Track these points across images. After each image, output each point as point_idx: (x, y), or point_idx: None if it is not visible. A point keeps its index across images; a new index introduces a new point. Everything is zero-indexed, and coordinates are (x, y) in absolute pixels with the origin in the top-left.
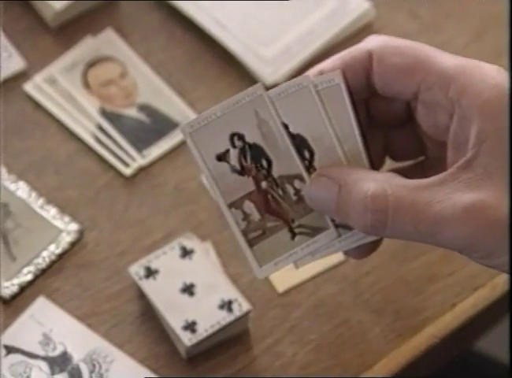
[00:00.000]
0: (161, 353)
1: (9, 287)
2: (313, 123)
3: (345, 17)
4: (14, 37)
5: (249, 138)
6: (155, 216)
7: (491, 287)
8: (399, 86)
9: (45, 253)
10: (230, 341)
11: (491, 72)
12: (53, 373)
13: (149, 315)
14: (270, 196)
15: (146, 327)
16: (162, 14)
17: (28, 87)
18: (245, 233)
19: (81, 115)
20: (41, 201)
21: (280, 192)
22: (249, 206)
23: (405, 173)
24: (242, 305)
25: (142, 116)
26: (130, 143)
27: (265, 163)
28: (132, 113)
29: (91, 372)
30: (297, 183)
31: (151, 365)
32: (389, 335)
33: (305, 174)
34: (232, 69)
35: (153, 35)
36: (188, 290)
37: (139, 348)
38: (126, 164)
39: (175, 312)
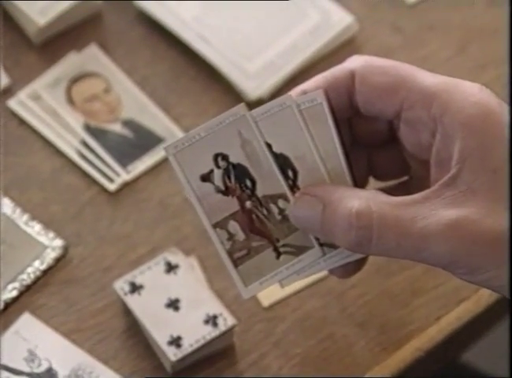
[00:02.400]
0: (147, 368)
1: None
2: (296, 142)
3: (328, 31)
4: (1, 54)
5: (233, 159)
6: (140, 232)
7: (476, 300)
8: (382, 105)
9: (30, 270)
10: (215, 356)
11: (472, 90)
12: None
13: (134, 330)
14: (254, 216)
15: (131, 343)
16: (146, 30)
17: (12, 104)
18: (230, 253)
19: (65, 131)
20: (25, 217)
21: (265, 212)
22: (233, 226)
23: (389, 193)
24: (227, 320)
25: (126, 132)
26: (114, 159)
27: (249, 183)
28: (116, 128)
29: None
30: (281, 203)
31: None
32: (374, 348)
33: (289, 193)
34: (216, 84)
35: (137, 50)
36: (173, 305)
37: (124, 363)
38: (110, 180)
39: (160, 327)
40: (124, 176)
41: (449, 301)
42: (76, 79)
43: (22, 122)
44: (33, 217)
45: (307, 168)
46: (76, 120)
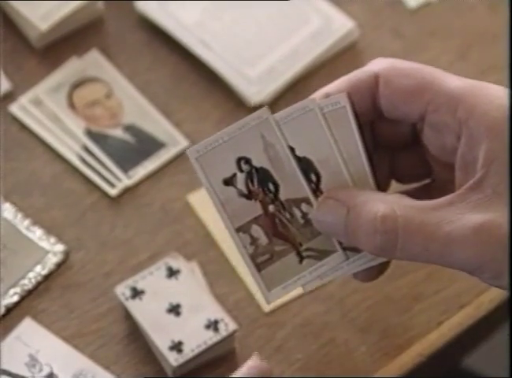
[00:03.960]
0: (148, 373)
1: None
2: (319, 146)
3: (329, 37)
4: (1, 59)
5: (256, 162)
6: (141, 237)
7: (477, 306)
8: (406, 108)
9: (31, 275)
10: (216, 361)
11: (497, 93)
12: None
13: (135, 335)
14: (277, 220)
15: (132, 348)
16: (147, 35)
17: (14, 109)
18: (253, 257)
19: (67, 136)
20: (27, 222)
21: (288, 216)
22: (256, 230)
23: (412, 196)
24: (228, 325)
25: (127, 137)
26: (116, 164)
27: (272, 187)
28: (118, 133)
29: None
30: (304, 207)
31: None
32: (375, 353)
33: (312, 197)
34: (218, 89)
35: (139, 55)
36: (174, 310)
37: (125, 368)
38: (112, 185)
39: (161, 332)
40: (126, 181)
41: (450, 306)
42: (77, 85)
43: (23, 127)
44: (34, 222)
45: (330, 171)
46: (77, 125)
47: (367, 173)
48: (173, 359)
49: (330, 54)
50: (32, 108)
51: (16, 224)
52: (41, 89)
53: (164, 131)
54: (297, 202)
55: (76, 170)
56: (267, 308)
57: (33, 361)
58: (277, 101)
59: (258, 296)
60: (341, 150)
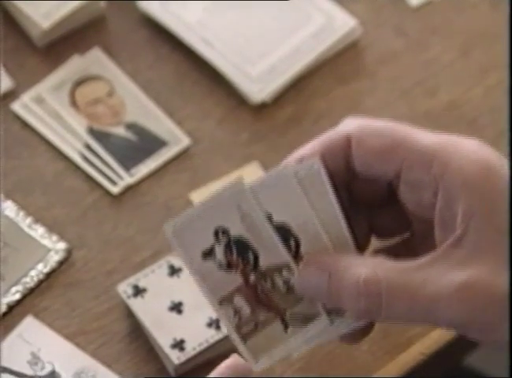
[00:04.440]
0: (150, 371)
1: None
2: (296, 211)
3: (331, 35)
4: (2, 56)
5: (233, 233)
6: (143, 235)
7: None
8: (380, 167)
9: (33, 273)
10: (218, 359)
11: (471, 147)
12: None
13: (137, 333)
14: (259, 289)
15: (134, 346)
16: (150, 33)
17: (16, 107)
18: (237, 328)
19: (69, 134)
20: (29, 220)
21: (269, 284)
22: (239, 301)
23: (392, 251)
24: None
25: (129, 135)
26: (118, 162)
27: (251, 256)
28: (120, 131)
29: None
30: (285, 273)
31: None
32: (377, 352)
33: (292, 263)
34: (220, 87)
35: (141, 53)
36: (176, 308)
37: (127, 367)
38: (114, 183)
39: (163, 330)
40: (128, 179)
41: None
42: (79, 83)
43: (25, 125)
44: (36, 220)
45: (309, 235)
46: (79, 124)
47: (345, 235)
48: (175, 357)
49: (332, 52)
50: (34, 106)
51: (18, 222)
52: (43, 87)
53: (166, 130)
54: (278, 269)
55: (78, 168)
56: None
57: (35, 359)
58: (279, 100)
59: None
60: (318, 214)
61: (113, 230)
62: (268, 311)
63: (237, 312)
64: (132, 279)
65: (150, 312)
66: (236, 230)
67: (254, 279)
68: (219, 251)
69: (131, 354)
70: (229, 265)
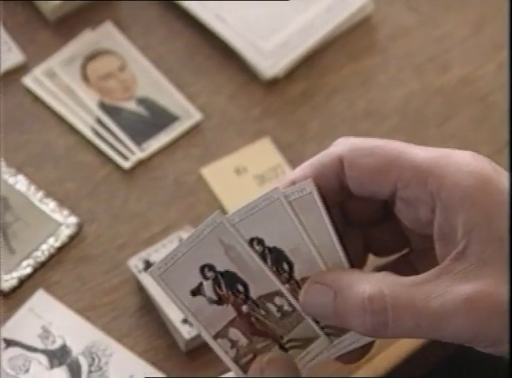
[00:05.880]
0: (161, 346)
1: (9, 281)
2: (288, 234)
3: (344, 11)
4: (13, 30)
5: (219, 267)
6: (154, 209)
7: None
8: (375, 187)
9: (44, 247)
10: None
11: (464, 160)
12: (52, 366)
13: (148, 308)
14: (253, 318)
15: (145, 321)
16: (161, 8)
17: (27, 81)
18: (236, 360)
19: (80, 108)
20: (40, 194)
21: (263, 312)
22: (234, 333)
23: (391, 268)
24: None
25: (141, 110)
26: (129, 136)
27: (241, 287)
28: (131, 106)
29: (90, 365)
30: (278, 300)
31: (150, 358)
32: None
33: (284, 289)
34: (232, 63)
35: (153, 28)
36: None
37: (138, 341)
38: (125, 158)
39: (174, 305)
40: (139, 153)
41: None
42: (91, 57)
43: (37, 99)
44: (48, 194)
45: (302, 259)
46: (90, 98)
47: (340, 256)
48: (186, 332)
49: (344, 28)
50: (46, 80)
51: (29, 196)
52: (54, 61)
53: (177, 104)
54: (269, 297)
55: (89, 143)
56: None
57: (46, 333)
58: (291, 75)
59: None
60: (311, 237)
61: (124, 205)
62: (265, 339)
63: (234, 344)
64: (143, 254)
65: None
66: (222, 264)
67: (247, 309)
68: (208, 287)
69: (142, 329)
70: (220, 299)
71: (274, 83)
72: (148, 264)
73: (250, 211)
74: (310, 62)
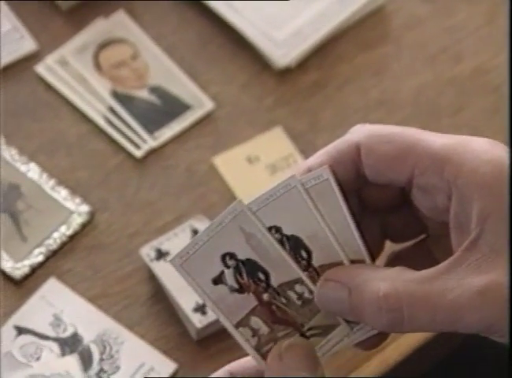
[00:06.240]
0: (172, 334)
1: (20, 268)
2: (305, 222)
3: (357, 0)
4: (26, 18)
5: (240, 255)
6: (166, 198)
7: None
8: (392, 174)
9: (56, 235)
10: None
11: (483, 147)
12: (63, 354)
13: (159, 297)
14: (274, 306)
15: (156, 309)
16: None
17: (40, 69)
18: (257, 349)
19: (92, 96)
20: (52, 182)
21: (284, 300)
22: (256, 322)
23: (408, 253)
24: None
25: (153, 98)
26: (141, 125)
27: (262, 276)
28: (144, 94)
29: (102, 353)
30: (298, 288)
31: (161, 347)
32: None
33: (304, 277)
34: (244, 52)
35: (165, 17)
36: None
37: (149, 329)
38: (137, 146)
39: (185, 294)
40: (151, 142)
41: None
42: (103, 45)
43: (49, 87)
44: (60, 182)
45: (320, 246)
46: (103, 86)
47: (358, 243)
48: (197, 321)
49: (357, 18)
50: (58, 68)
51: (41, 184)
52: (67, 49)
53: (190, 93)
54: (290, 285)
55: (101, 131)
56: None
57: (57, 321)
58: (304, 65)
59: None
60: (329, 224)
61: (136, 193)
62: (286, 327)
63: (255, 332)
64: (155, 243)
65: (173, 275)
66: (243, 252)
67: (268, 297)
68: (229, 276)
69: (154, 317)
70: (241, 288)
71: (286, 73)
72: (160, 253)
73: (268, 199)
74: (323, 52)
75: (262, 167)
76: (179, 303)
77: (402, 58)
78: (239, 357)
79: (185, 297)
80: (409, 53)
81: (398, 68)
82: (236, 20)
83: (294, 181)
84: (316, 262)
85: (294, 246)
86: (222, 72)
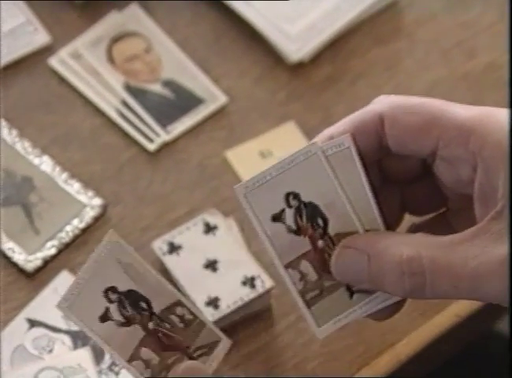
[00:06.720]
0: None
1: (33, 261)
2: (324, 189)
3: None
4: (40, 11)
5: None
6: (179, 192)
7: None
8: (415, 145)
9: (68, 228)
10: (252, 317)
11: (507, 118)
12: (75, 347)
13: None
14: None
15: None
16: None
17: (53, 62)
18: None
19: (105, 90)
20: (65, 175)
21: (167, 325)
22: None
23: (428, 226)
24: (265, 282)
25: (166, 92)
26: (154, 119)
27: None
28: (157, 88)
29: None
30: (179, 310)
31: None
32: (412, 313)
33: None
34: (257, 46)
35: (178, 10)
36: (211, 266)
37: None
38: (150, 140)
39: (198, 288)
40: (164, 136)
41: None
42: (116, 39)
43: (62, 80)
44: (72, 176)
45: (337, 214)
46: (116, 80)
47: (374, 213)
48: (210, 314)
49: (371, 12)
50: (71, 61)
51: (54, 177)
52: (80, 42)
53: (203, 87)
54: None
55: (114, 124)
56: None
57: None
58: (317, 59)
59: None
60: (347, 193)
61: (149, 187)
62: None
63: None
64: (167, 236)
65: (185, 269)
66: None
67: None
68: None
69: None
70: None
71: (300, 67)
72: (172, 247)
73: (288, 165)
74: (336, 46)
75: (275, 161)
76: (192, 297)
77: (416, 53)
78: (250, 353)
79: (197, 291)
80: (422, 48)
81: (411, 63)
82: (250, 14)
83: (315, 148)
84: (332, 231)
85: (312, 213)
86: (235, 66)
